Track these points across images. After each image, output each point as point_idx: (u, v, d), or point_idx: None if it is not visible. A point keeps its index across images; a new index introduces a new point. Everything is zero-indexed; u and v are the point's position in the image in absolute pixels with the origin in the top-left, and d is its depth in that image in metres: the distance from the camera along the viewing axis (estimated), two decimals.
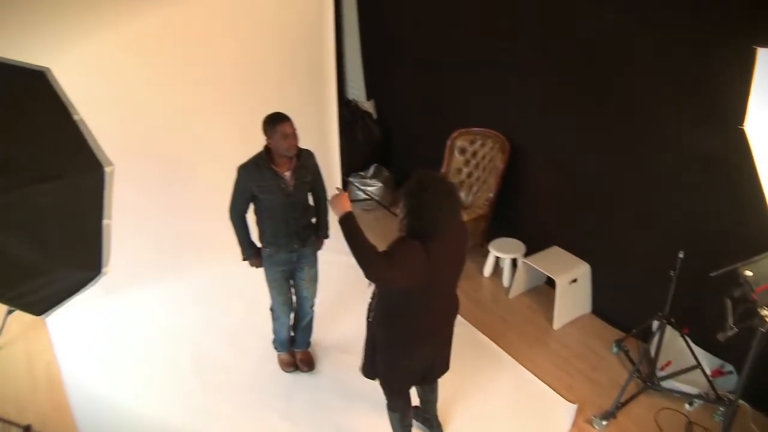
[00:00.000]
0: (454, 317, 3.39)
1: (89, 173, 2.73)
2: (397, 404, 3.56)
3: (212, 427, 4.02)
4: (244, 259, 4.05)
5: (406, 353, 3.25)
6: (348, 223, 2.85)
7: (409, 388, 3.59)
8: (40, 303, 2.77)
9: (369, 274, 2.77)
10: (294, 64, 5.55)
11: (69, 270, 2.77)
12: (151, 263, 5.31)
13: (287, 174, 3.74)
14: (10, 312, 4.79)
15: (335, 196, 3.01)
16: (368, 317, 3.29)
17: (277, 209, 3.81)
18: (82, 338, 4.82)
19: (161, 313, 5.12)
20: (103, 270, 2.83)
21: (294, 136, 3.62)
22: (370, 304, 3.26)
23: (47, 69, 2.74)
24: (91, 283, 2.82)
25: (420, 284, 2.93)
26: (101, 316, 5.03)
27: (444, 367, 3.55)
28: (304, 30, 5.51)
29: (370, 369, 3.49)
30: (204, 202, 5.28)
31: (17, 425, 3.81)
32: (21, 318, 4.91)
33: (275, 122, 3.59)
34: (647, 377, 4.11)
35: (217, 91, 5.22)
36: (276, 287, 4.10)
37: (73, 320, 4.89)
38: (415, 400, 3.74)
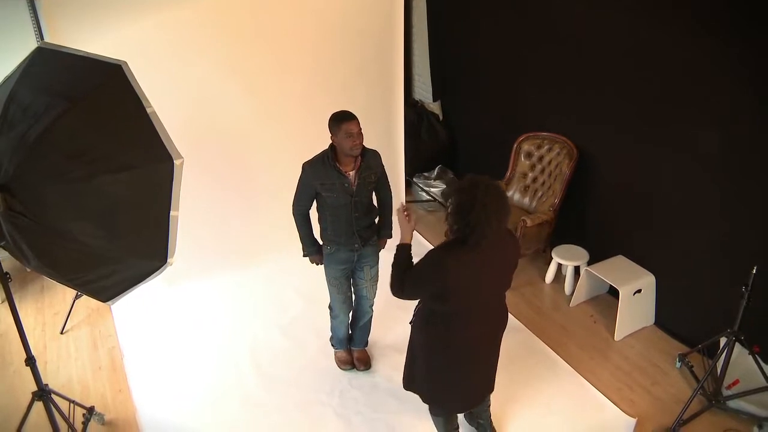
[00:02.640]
0: (499, 333, 3.30)
1: (160, 165, 2.78)
2: (438, 411, 3.54)
3: (267, 420, 4.07)
4: (305, 256, 4.09)
5: (446, 367, 3.22)
6: (403, 252, 3.12)
7: (452, 413, 3.57)
8: (108, 290, 2.85)
9: (392, 288, 3.09)
10: (362, 64, 5.58)
11: (136, 259, 2.84)
12: (213, 257, 5.43)
13: (351, 173, 3.75)
14: (77, 297, 4.97)
15: (404, 221, 3.18)
16: (411, 320, 3.29)
17: (339, 208, 3.82)
18: (144, 326, 4.96)
19: (221, 306, 5.22)
20: (169, 261, 2.88)
21: (359, 135, 3.62)
22: (415, 307, 3.27)
23: (124, 62, 2.82)
24: (157, 273, 2.88)
25: (450, 292, 2.94)
26: (163, 305, 5.17)
27: (488, 387, 3.50)
28: (374, 29, 5.54)
29: (408, 379, 3.47)
30: (267, 198, 5.38)
31: (82, 406, 3.94)
32: (88, 303, 5.11)
33: (340, 120, 3.59)
34: (712, 395, 3.98)
35: (285, 88, 5.29)
36: (335, 285, 4.12)
37: (137, 308, 5.04)
38: None
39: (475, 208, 2.75)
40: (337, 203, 3.80)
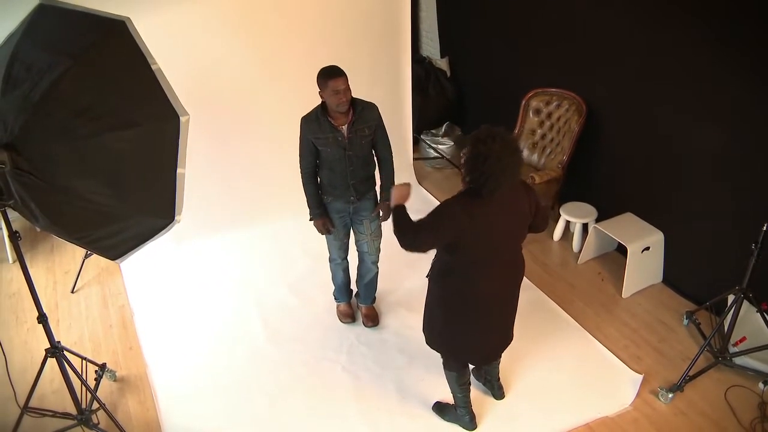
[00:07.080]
0: (517, 284, 3.32)
1: (165, 122, 2.77)
2: (452, 364, 3.55)
3: (275, 376, 4.12)
4: (311, 219, 4.08)
5: (464, 320, 3.24)
6: (399, 213, 3.11)
7: (468, 363, 3.57)
8: (116, 248, 2.86)
9: (401, 244, 3.03)
10: (369, 19, 5.49)
11: (143, 217, 2.85)
12: (221, 214, 5.43)
13: (344, 127, 3.74)
14: (87, 256, 5.00)
15: (397, 187, 3.23)
16: (427, 273, 3.29)
17: (334, 162, 3.84)
18: (153, 283, 4.99)
19: (229, 264, 5.24)
20: (176, 218, 2.89)
21: (345, 92, 3.59)
22: (432, 260, 3.27)
23: (128, 19, 2.78)
24: (165, 230, 2.89)
25: (463, 242, 2.95)
26: (172, 264, 5.20)
27: (507, 339, 3.51)
28: None
29: (428, 333, 3.48)
30: (275, 155, 5.35)
31: (94, 363, 3.99)
32: (97, 262, 5.13)
33: (327, 77, 3.57)
34: (719, 352, 3.99)
35: (291, 43, 5.22)
36: (332, 233, 4.14)
37: (146, 266, 5.07)
38: None
39: (489, 159, 2.75)
40: (332, 157, 3.82)
